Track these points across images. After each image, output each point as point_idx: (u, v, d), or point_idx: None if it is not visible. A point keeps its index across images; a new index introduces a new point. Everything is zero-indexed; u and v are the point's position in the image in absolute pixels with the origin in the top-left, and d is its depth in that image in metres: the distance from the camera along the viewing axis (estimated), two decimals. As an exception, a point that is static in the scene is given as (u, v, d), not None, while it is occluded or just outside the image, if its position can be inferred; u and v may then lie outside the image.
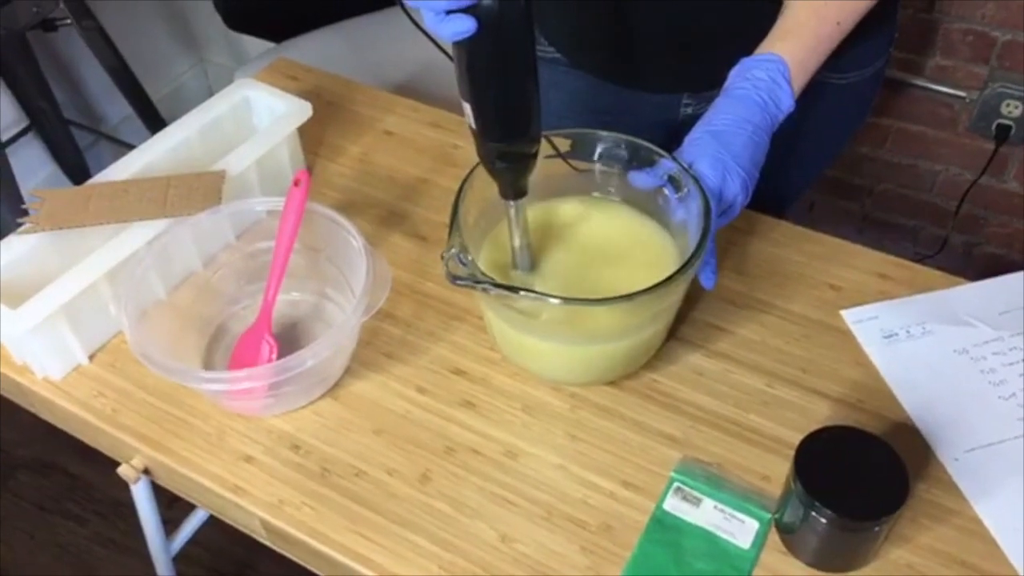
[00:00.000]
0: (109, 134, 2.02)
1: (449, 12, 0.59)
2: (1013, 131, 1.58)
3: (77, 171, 1.89)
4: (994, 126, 1.59)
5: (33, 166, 1.91)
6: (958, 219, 1.75)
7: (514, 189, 0.72)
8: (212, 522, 1.02)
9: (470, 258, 0.69)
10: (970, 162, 1.68)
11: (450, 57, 0.66)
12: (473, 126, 0.67)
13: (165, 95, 2.12)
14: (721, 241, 0.85)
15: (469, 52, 0.62)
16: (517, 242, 0.75)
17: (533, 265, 0.77)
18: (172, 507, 1.16)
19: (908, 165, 1.75)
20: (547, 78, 0.71)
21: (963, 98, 1.60)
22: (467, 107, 0.66)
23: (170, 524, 1.22)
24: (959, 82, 1.60)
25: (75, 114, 1.99)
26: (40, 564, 1.51)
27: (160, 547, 1.17)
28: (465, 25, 0.59)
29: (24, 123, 1.84)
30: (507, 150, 0.69)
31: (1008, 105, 1.56)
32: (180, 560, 1.29)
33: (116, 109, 2.03)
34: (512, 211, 0.73)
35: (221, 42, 2.23)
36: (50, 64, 1.89)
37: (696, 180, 0.73)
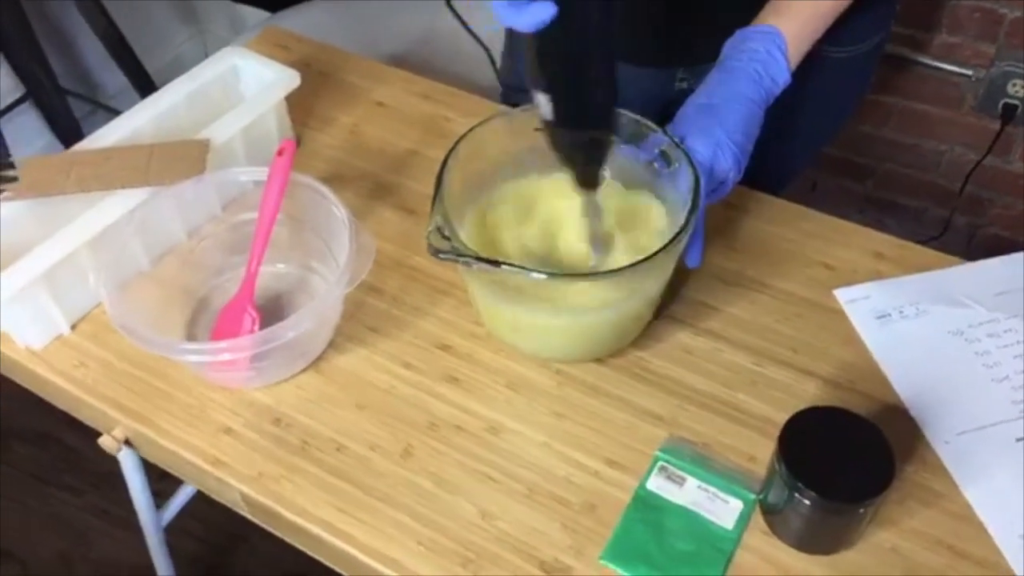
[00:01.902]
0: (106, 104, 2.00)
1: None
2: (1019, 111, 1.55)
3: (73, 141, 1.86)
4: (1000, 105, 1.57)
5: (30, 135, 1.90)
6: (962, 200, 1.73)
7: (594, 178, 0.70)
8: (205, 494, 1.02)
9: (454, 231, 0.68)
10: (975, 142, 1.66)
11: (469, 31, 0.64)
12: (550, 118, 0.65)
13: (163, 65, 2.09)
14: (713, 218, 0.84)
15: (550, 39, 0.60)
16: (596, 229, 0.73)
17: (607, 250, 0.75)
18: (164, 480, 1.16)
19: (912, 144, 1.73)
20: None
21: (969, 76, 1.57)
22: (542, 99, 0.64)
23: (162, 496, 1.21)
24: (965, 60, 1.57)
25: (72, 83, 1.97)
26: (33, 534, 1.52)
27: (150, 518, 1.17)
28: (547, 12, 0.57)
29: (20, 91, 1.83)
30: (591, 137, 0.67)
31: (1015, 84, 1.53)
32: (173, 532, 1.29)
33: (113, 79, 2.01)
34: (589, 200, 0.71)
35: (220, 12, 2.21)
36: (48, 33, 1.87)
37: (687, 155, 0.72)
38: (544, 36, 0.59)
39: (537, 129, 0.75)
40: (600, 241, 0.74)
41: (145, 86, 1.74)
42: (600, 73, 0.64)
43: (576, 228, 0.76)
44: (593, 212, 0.72)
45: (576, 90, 0.64)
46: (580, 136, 0.67)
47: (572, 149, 0.68)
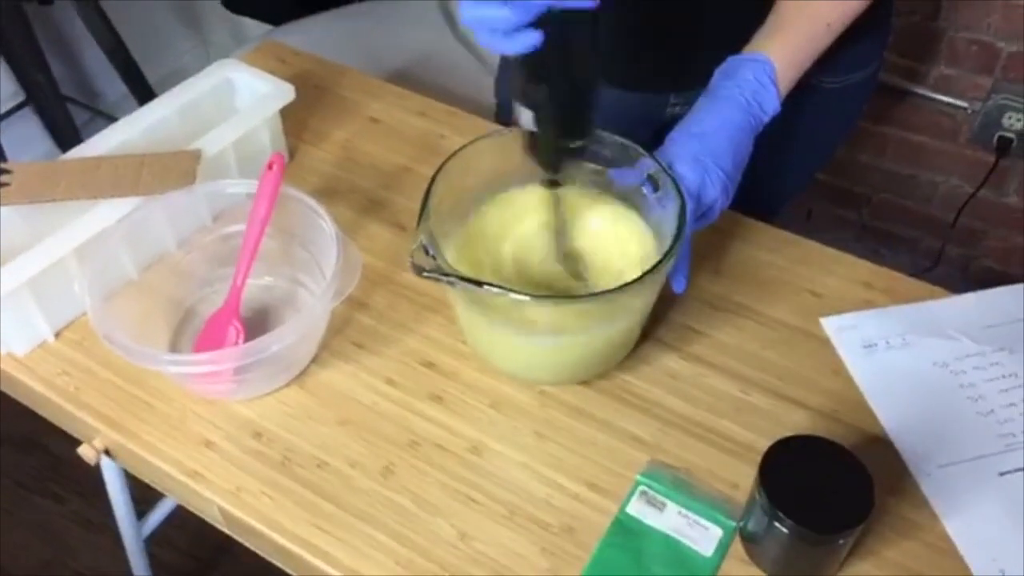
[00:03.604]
0: (107, 112, 2.01)
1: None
2: (1014, 144, 1.56)
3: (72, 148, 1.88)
4: (995, 138, 1.57)
5: (29, 141, 1.90)
6: (956, 231, 1.73)
7: (560, 176, 0.73)
8: (185, 506, 1.02)
9: (438, 249, 0.68)
10: (970, 174, 1.66)
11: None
12: (535, 130, 0.67)
13: (165, 75, 2.10)
14: (702, 242, 0.84)
15: (538, 61, 0.61)
16: (553, 224, 0.76)
17: (575, 265, 0.78)
18: (150, 488, 1.15)
19: (908, 175, 1.74)
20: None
21: (965, 109, 1.58)
22: (526, 114, 0.66)
23: (148, 503, 1.21)
24: (962, 92, 1.58)
25: (73, 91, 1.97)
26: (14, 540, 1.51)
27: (131, 528, 1.16)
28: (533, 39, 0.58)
29: (21, 97, 1.83)
30: (578, 146, 0.70)
31: (1010, 118, 1.54)
32: (156, 542, 1.28)
33: (114, 87, 2.02)
34: (552, 197, 0.75)
35: (223, 24, 2.22)
36: (50, 40, 1.88)
37: (674, 180, 0.72)
38: (531, 58, 0.60)
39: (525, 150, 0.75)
40: (567, 256, 0.76)
41: (146, 96, 1.75)
42: (586, 91, 0.66)
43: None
44: (560, 227, 0.75)
45: (562, 107, 0.66)
46: (573, 144, 0.70)
47: (554, 158, 0.71)
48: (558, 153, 0.71)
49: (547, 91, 0.65)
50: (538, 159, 0.71)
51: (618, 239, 0.78)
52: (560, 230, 0.76)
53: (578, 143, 0.70)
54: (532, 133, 0.68)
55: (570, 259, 0.77)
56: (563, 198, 0.75)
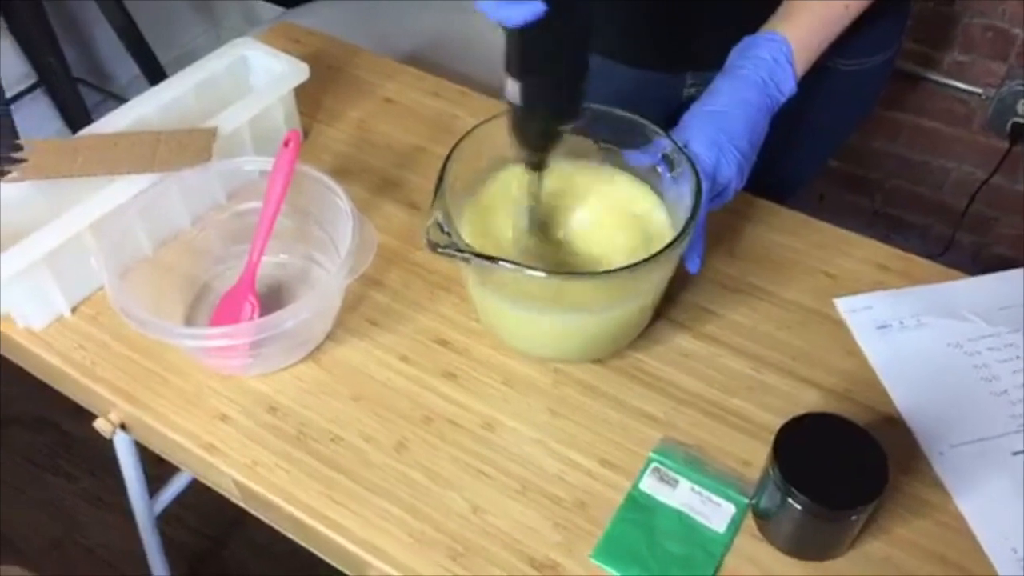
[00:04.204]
0: (118, 93, 2.01)
1: None
2: (1028, 131, 1.55)
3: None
4: (1009, 125, 1.56)
5: (40, 122, 1.90)
6: (967, 218, 1.73)
7: (541, 163, 0.71)
8: (200, 484, 1.02)
9: (453, 226, 0.68)
10: (983, 161, 1.66)
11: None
12: (518, 103, 0.65)
13: (176, 58, 2.10)
14: (717, 223, 0.84)
15: (533, 35, 0.60)
16: (528, 203, 0.74)
17: (539, 227, 0.76)
18: (161, 464, 1.15)
19: (921, 161, 1.73)
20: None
21: (979, 95, 1.57)
22: (513, 85, 0.64)
23: (159, 480, 1.21)
24: (976, 79, 1.57)
25: (84, 72, 1.98)
26: (26, 519, 1.52)
27: (143, 504, 1.17)
28: (535, 10, 0.57)
29: (33, 78, 1.84)
30: (553, 129, 0.68)
31: (1024, 104, 1.53)
32: (167, 521, 1.29)
33: (125, 69, 2.03)
34: (534, 180, 0.72)
35: (234, 7, 2.22)
36: (62, 21, 1.88)
37: (690, 160, 0.72)
38: (528, 31, 0.59)
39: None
40: (534, 217, 0.75)
41: (157, 78, 1.74)
42: (574, 71, 0.65)
43: (580, 219, 0.76)
44: (533, 191, 0.73)
45: (549, 85, 0.65)
46: (542, 124, 0.68)
47: (533, 136, 0.69)
48: (544, 133, 0.69)
49: (538, 67, 0.63)
50: (521, 137, 0.69)
51: (633, 217, 0.78)
52: (536, 208, 0.75)
53: (564, 125, 0.69)
54: (518, 108, 0.66)
55: (543, 228, 0.77)
56: (549, 177, 0.73)
